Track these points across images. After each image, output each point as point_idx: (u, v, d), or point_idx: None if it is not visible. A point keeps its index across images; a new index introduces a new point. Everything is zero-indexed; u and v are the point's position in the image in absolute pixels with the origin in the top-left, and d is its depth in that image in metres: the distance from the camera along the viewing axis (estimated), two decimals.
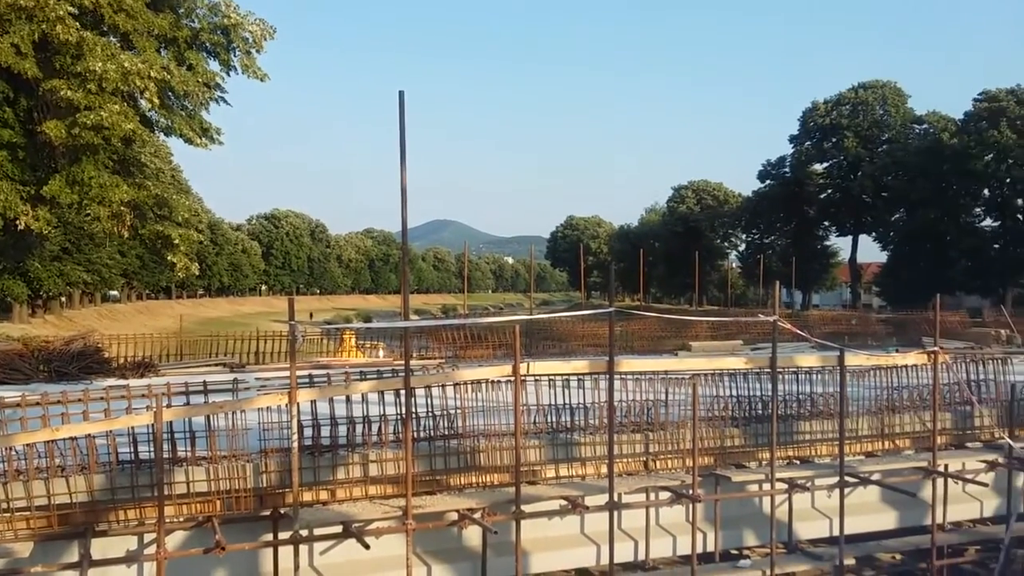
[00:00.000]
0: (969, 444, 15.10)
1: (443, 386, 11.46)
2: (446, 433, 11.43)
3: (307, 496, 10.42)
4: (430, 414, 11.37)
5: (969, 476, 14.25)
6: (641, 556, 12.57)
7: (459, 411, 11.40)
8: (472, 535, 11.40)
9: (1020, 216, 69.21)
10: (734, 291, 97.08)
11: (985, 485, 14.44)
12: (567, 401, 12.24)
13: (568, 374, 12.04)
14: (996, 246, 69.67)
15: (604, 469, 11.61)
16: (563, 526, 12.13)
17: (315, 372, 15.22)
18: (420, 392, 11.38)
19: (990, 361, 15.61)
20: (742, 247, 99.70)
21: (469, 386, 11.46)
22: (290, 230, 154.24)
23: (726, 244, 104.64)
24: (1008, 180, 67.93)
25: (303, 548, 10.27)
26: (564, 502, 11.48)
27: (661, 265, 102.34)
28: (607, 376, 11.36)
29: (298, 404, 9.75)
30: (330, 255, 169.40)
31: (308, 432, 10.64)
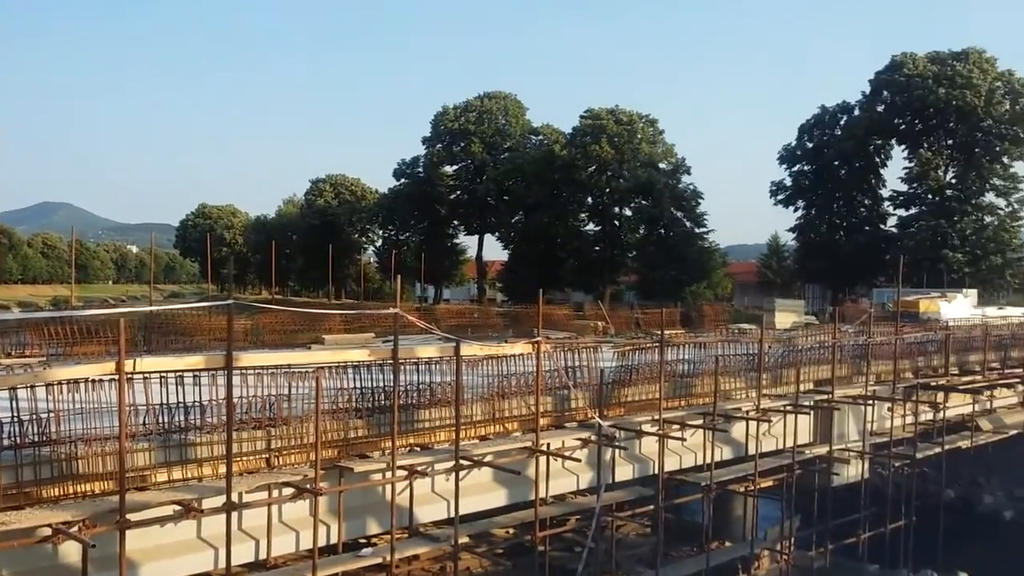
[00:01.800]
0: (567, 424, 16.80)
1: (32, 387, 10.18)
2: (36, 440, 10.19)
3: None
4: (16, 419, 10.05)
5: (567, 453, 15.86)
6: (263, 555, 12.26)
7: (52, 415, 10.22)
8: (70, 551, 10.31)
9: (617, 222, 78.61)
10: (371, 285, 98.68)
11: (579, 460, 16.16)
12: (181, 399, 11.54)
13: (182, 370, 11.37)
14: (597, 248, 78.42)
15: (223, 469, 11.13)
16: (178, 532, 11.42)
17: None
18: (4, 395, 10.02)
19: (584, 349, 17.52)
20: (379, 242, 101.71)
21: (65, 386, 10.32)
22: None
23: (364, 239, 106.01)
24: (607, 190, 76.82)
25: None
26: (178, 507, 10.84)
27: (299, 258, 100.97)
28: (226, 371, 10.91)
29: None
30: None
31: None
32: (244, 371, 11.95)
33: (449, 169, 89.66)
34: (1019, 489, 36.57)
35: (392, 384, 12.96)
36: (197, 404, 11.66)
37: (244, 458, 11.87)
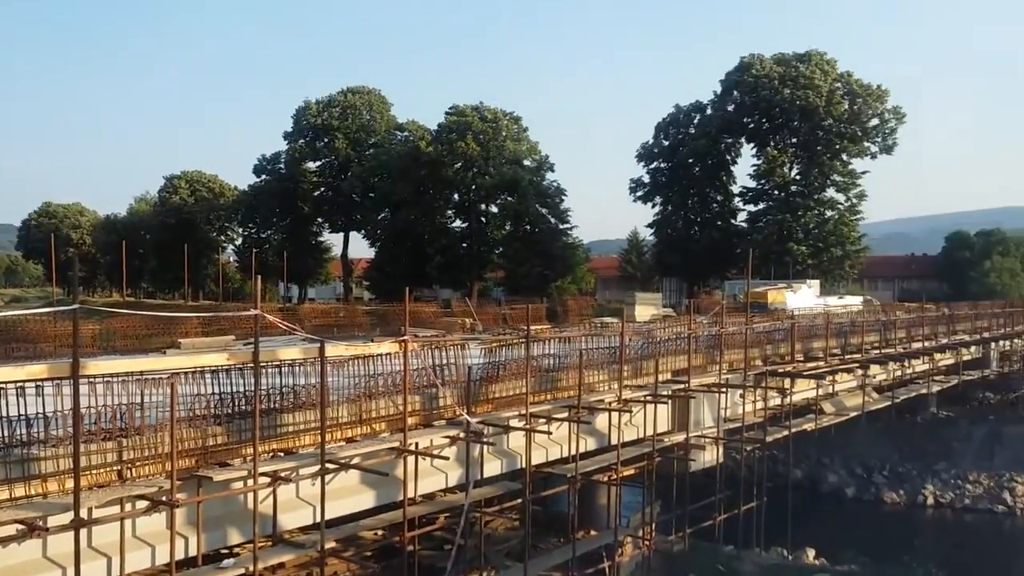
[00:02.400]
0: (435, 423, 16.81)
1: None
2: None
3: None
4: None
5: (436, 452, 15.87)
6: (116, 572, 11.68)
7: None
8: None
9: (483, 219, 79.21)
10: (230, 285, 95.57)
11: (448, 458, 16.21)
12: (23, 411, 10.84)
13: (23, 380, 10.68)
14: (464, 245, 78.79)
15: (71, 483, 10.55)
16: (22, 552, 10.74)
17: None
18: None
19: (452, 347, 17.57)
20: (239, 241, 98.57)
21: None
22: None
23: (223, 237, 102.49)
24: (473, 187, 77.29)
25: None
26: (21, 526, 10.20)
27: (153, 258, 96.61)
28: (72, 380, 10.34)
29: None
30: None
31: None
32: (92, 379, 11.35)
33: (312, 165, 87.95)
34: (859, 467, 39.32)
35: (253, 388, 12.61)
36: (41, 416, 10.98)
37: (93, 471, 11.27)
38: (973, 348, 44.32)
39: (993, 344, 46.86)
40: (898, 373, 36.32)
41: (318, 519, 13.79)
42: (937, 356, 40.07)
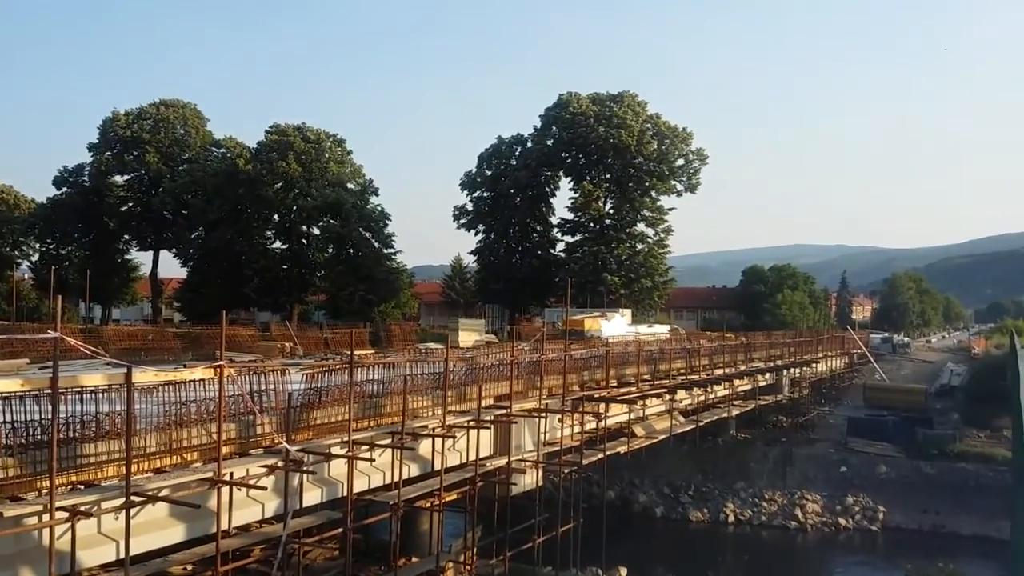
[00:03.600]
0: (252, 451, 16.19)
1: None
2: None
3: None
4: None
5: (252, 481, 15.28)
6: None
7: None
8: None
9: (304, 241, 77.44)
10: (25, 304, 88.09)
11: (265, 488, 15.64)
12: None
13: None
14: (285, 267, 76.62)
15: None
16: None
17: None
18: None
19: (271, 372, 17.02)
20: (36, 257, 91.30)
21: None
22: None
23: (17, 253, 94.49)
24: (295, 208, 75.52)
25: None
26: None
27: None
28: None
29: None
30: None
31: None
32: None
33: (120, 179, 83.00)
34: (667, 488, 41.35)
35: (51, 416, 11.70)
36: None
37: None
38: (768, 375, 47.88)
39: (785, 371, 50.84)
40: (702, 398, 38.56)
41: (122, 555, 12.93)
42: (736, 382, 42.94)
